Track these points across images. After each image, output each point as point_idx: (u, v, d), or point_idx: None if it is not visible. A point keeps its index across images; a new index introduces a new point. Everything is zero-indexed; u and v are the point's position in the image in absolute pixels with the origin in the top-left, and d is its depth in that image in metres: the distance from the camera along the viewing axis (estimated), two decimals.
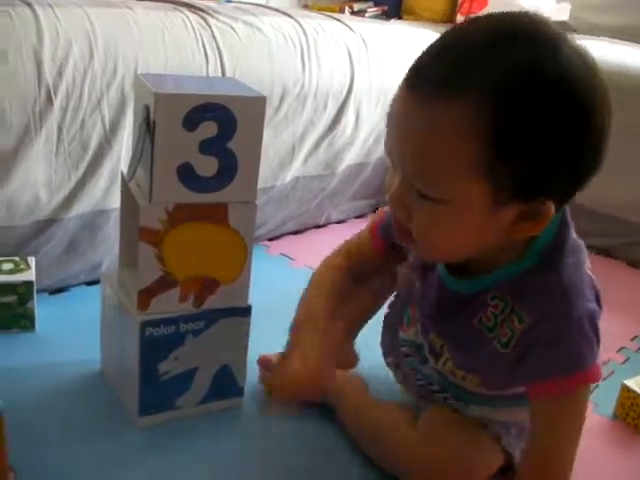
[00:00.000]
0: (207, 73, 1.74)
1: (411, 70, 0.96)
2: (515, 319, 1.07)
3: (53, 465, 1.23)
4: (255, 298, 1.34)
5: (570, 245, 1.07)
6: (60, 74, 1.53)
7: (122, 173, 1.31)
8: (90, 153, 1.62)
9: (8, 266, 1.58)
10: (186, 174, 1.18)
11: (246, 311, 1.32)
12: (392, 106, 0.98)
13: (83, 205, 1.66)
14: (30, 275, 1.57)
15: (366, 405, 1.34)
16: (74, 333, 1.57)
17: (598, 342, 1.04)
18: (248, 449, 1.33)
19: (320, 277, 1.31)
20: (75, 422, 1.34)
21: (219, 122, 1.17)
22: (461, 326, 1.14)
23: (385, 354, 1.35)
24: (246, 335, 1.34)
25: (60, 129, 1.56)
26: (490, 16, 0.96)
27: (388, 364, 1.36)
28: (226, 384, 1.38)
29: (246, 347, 1.36)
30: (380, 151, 2.30)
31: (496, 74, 0.89)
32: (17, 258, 1.61)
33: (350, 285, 1.32)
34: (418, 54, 0.96)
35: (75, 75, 1.55)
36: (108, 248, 1.75)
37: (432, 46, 0.95)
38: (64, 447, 1.28)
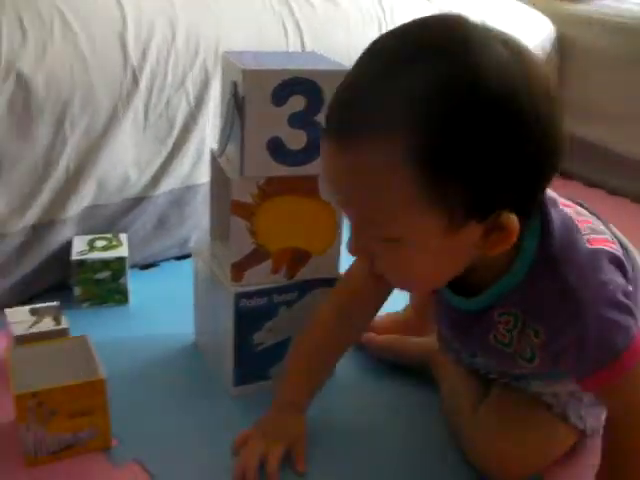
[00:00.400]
0: (287, 49, 1.77)
1: (327, 116, 0.92)
2: (531, 333, 1.05)
3: (151, 432, 1.29)
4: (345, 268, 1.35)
5: (559, 242, 0.99)
6: (144, 56, 1.58)
7: (211, 149, 1.34)
8: (176, 130, 1.66)
9: (101, 243, 1.63)
10: (276, 148, 1.20)
11: (337, 281, 1.34)
12: (322, 157, 0.93)
13: (171, 182, 1.70)
14: (123, 251, 1.62)
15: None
16: (166, 307, 1.62)
17: (631, 313, 0.98)
18: (336, 418, 1.36)
19: (306, 344, 1.29)
20: (171, 391, 1.39)
21: (307, 96, 1.19)
22: (480, 341, 1.12)
23: (444, 350, 1.34)
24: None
25: (146, 108, 1.61)
26: (395, 33, 0.88)
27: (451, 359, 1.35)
28: None
29: None
30: None
31: (408, 103, 0.82)
32: (110, 235, 1.66)
33: (335, 346, 1.30)
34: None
35: (159, 56, 1.60)
36: (196, 223, 1.79)
37: (342, 84, 0.90)
38: (161, 415, 1.33)
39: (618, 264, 1.01)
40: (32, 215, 1.54)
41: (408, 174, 0.83)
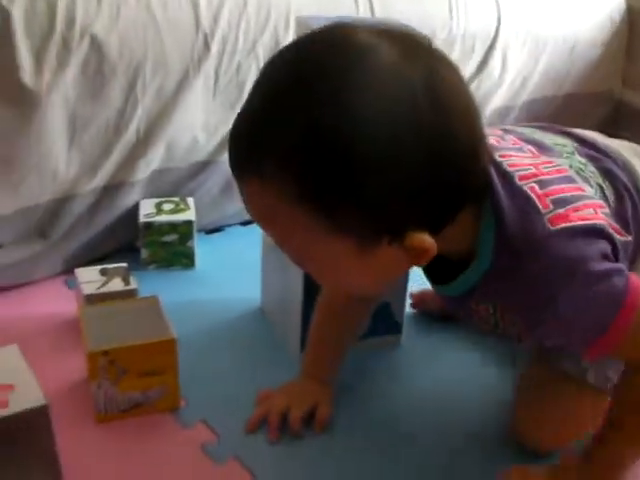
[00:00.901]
0: (357, 15, 1.76)
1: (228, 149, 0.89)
2: (511, 320, 1.03)
3: (218, 394, 1.31)
4: None
5: (515, 232, 0.91)
6: (216, 20, 1.57)
7: None
8: (245, 96, 1.66)
9: (168, 206, 1.64)
10: None
11: None
12: None
13: None
14: (190, 215, 1.63)
15: None
16: (232, 271, 1.63)
17: (613, 274, 0.91)
18: (406, 384, 1.37)
19: (318, 320, 1.30)
20: (237, 355, 1.41)
21: None
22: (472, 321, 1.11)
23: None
24: (407, 272, 1.36)
25: (217, 73, 1.61)
26: (279, 58, 0.86)
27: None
28: (385, 321, 1.41)
29: (406, 284, 1.40)
30: (526, 94, 2.28)
31: (280, 141, 0.80)
32: (177, 199, 1.67)
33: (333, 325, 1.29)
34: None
35: (230, 21, 1.59)
36: None
37: (238, 114, 0.88)
38: (228, 378, 1.35)
39: (594, 233, 0.92)
40: (102, 177, 1.56)
41: (296, 210, 0.81)
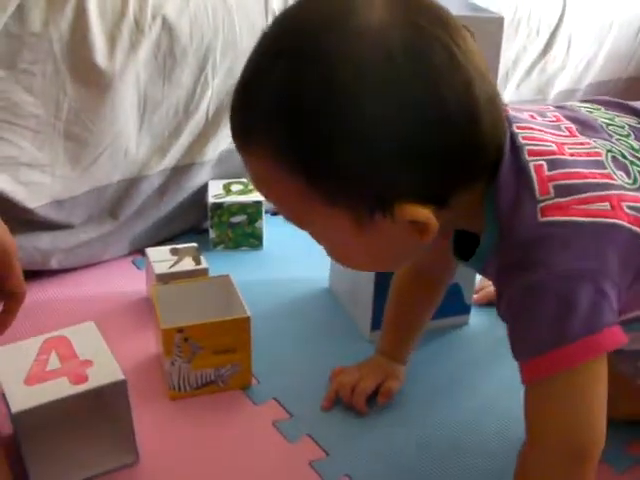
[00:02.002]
0: None
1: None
2: None
3: (289, 373, 1.32)
4: None
5: (506, 215, 0.84)
6: (285, 1, 1.58)
7: None
8: None
9: (237, 187, 1.65)
10: None
11: None
12: None
13: None
14: (259, 195, 1.62)
15: None
16: (299, 252, 1.62)
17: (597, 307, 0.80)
18: (473, 363, 1.38)
19: (393, 300, 1.28)
20: (307, 334, 1.42)
21: None
22: None
23: None
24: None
25: None
26: (277, 17, 0.83)
27: None
28: (455, 301, 1.42)
29: None
30: (590, 77, 2.26)
31: (262, 112, 0.78)
32: (245, 180, 1.68)
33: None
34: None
35: None
36: None
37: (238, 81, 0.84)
38: (298, 357, 1.36)
39: (596, 234, 0.81)
40: (172, 158, 1.57)
41: (291, 181, 0.79)
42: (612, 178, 0.84)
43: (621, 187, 0.84)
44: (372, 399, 1.25)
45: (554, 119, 0.92)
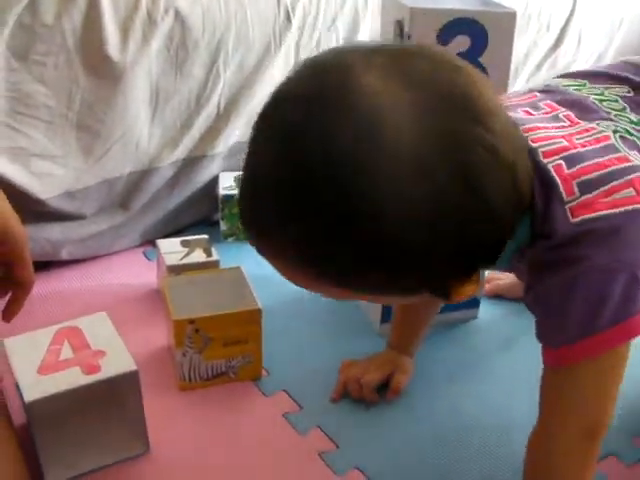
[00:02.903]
0: None
1: None
2: None
3: (299, 365, 1.32)
4: None
5: (541, 220, 0.83)
6: None
7: None
8: None
9: None
10: None
11: None
12: None
13: None
14: None
15: None
16: None
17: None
18: (482, 356, 1.38)
19: None
20: (318, 326, 1.43)
21: (472, 36, 1.18)
22: None
23: None
24: None
25: (298, 47, 1.62)
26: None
27: None
28: None
29: None
30: None
31: (276, 210, 0.72)
32: None
33: None
34: None
35: None
36: None
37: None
38: (308, 349, 1.37)
39: (626, 226, 0.80)
40: (183, 149, 1.58)
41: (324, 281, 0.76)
42: (629, 160, 0.84)
43: (638, 167, 0.84)
44: (380, 390, 1.25)
45: (549, 110, 0.91)
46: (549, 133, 0.86)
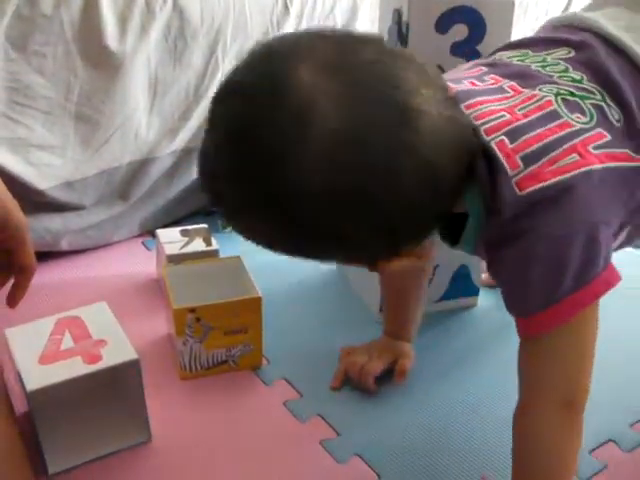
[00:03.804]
0: None
1: None
2: None
3: (299, 353, 1.33)
4: None
5: (486, 192, 0.84)
6: None
7: None
8: None
9: None
10: None
11: None
12: None
13: None
14: None
15: None
16: None
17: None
18: (483, 344, 1.38)
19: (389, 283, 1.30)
20: (317, 315, 1.44)
21: (470, 25, 1.19)
22: None
23: None
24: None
25: None
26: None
27: None
28: (463, 283, 1.43)
29: None
30: None
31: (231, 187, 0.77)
32: None
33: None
34: None
35: None
36: None
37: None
38: (308, 337, 1.37)
39: (574, 190, 0.82)
40: (182, 139, 1.58)
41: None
42: (570, 125, 0.85)
43: (581, 131, 0.85)
44: (380, 380, 1.25)
45: (493, 82, 0.92)
46: (492, 107, 0.86)
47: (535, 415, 0.90)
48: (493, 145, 0.83)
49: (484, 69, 0.96)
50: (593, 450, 1.12)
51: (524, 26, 1.98)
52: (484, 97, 0.88)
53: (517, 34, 1.92)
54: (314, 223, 0.74)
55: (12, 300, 1.03)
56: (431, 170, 0.75)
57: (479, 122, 0.84)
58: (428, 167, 0.74)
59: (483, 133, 0.83)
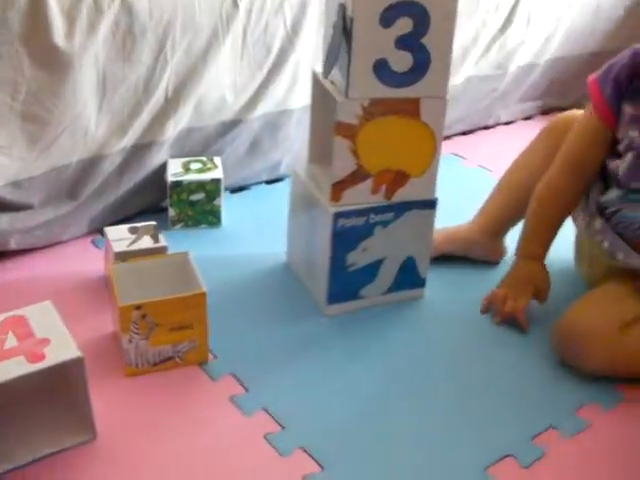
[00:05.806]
0: None
1: None
2: None
3: (246, 348, 1.33)
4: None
5: None
6: None
7: (313, 72, 1.36)
8: (273, 55, 1.67)
9: (196, 166, 1.66)
10: (382, 70, 1.22)
11: (433, 204, 1.37)
12: None
13: (266, 105, 1.72)
14: (218, 173, 1.65)
15: None
16: (257, 228, 1.65)
17: None
18: (428, 337, 1.40)
19: (540, 200, 1.41)
20: (265, 309, 1.44)
21: (414, 18, 1.19)
22: None
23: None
24: (431, 227, 1.39)
25: (245, 32, 1.62)
26: None
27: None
28: (409, 275, 1.44)
29: (430, 239, 1.42)
30: (550, 52, 2.28)
31: None
32: (204, 158, 1.69)
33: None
34: None
35: None
36: (288, 147, 1.81)
37: None
38: (255, 332, 1.38)
39: None
40: (131, 136, 1.57)
41: None
42: None
43: None
44: (340, 366, 1.28)
45: None
46: None
47: None
48: None
49: None
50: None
51: (476, 18, 1.98)
52: None
53: (469, 27, 1.95)
54: None
55: None
56: None
57: None
58: None
59: None
